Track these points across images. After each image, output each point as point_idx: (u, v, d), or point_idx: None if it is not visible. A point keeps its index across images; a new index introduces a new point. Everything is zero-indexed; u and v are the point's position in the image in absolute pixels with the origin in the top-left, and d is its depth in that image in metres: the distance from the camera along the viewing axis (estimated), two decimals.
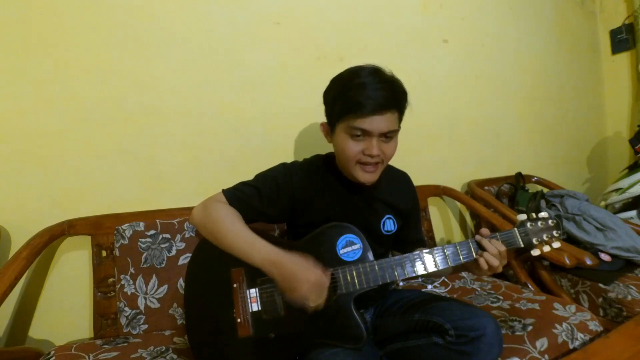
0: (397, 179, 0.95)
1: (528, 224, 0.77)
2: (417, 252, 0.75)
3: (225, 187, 0.83)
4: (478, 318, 0.72)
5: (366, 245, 0.75)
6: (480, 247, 0.75)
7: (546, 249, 0.77)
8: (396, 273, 0.73)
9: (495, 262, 0.73)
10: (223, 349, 0.73)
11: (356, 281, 0.72)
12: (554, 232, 0.77)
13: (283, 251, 0.71)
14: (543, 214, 0.78)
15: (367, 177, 0.77)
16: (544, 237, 0.77)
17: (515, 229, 0.78)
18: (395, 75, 0.77)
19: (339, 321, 0.71)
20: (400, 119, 0.79)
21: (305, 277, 0.67)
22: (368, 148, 0.74)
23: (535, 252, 0.77)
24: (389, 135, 0.76)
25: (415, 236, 0.98)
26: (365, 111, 0.71)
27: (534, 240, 0.76)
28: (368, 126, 0.72)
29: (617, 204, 1.87)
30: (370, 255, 0.75)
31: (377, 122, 0.72)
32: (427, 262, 0.75)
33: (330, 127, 0.81)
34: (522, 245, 0.76)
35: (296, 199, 0.82)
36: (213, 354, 0.74)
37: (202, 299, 0.78)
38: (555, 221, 0.78)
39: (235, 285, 0.75)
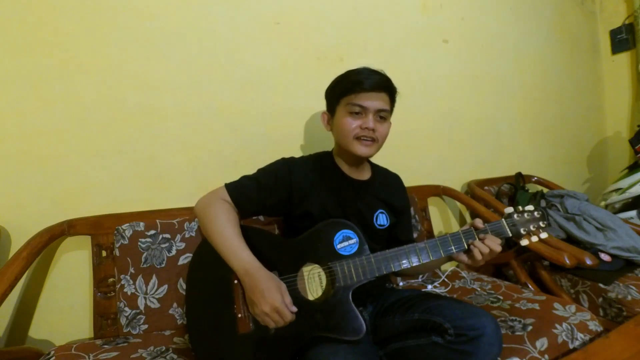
0: (389, 179, 1.02)
1: (515, 216, 0.81)
2: (412, 244, 0.78)
3: None
4: (477, 317, 0.73)
5: (362, 240, 0.78)
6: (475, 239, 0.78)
7: (534, 239, 0.80)
8: (392, 265, 0.76)
9: (486, 250, 0.76)
10: (223, 345, 0.74)
11: (354, 274, 0.74)
12: (540, 223, 0.81)
13: (262, 266, 0.72)
14: (529, 207, 0.82)
15: (364, 150, 0.85)
16: (531, 227, 0.80)
17: (503, 219, 0.81)
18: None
19: (338, 313, 0.72)
20: (391, 107, 0.89)
21: (270, 298, 0.68)
22: (365, 122, 0.83)
23: (524, 242, 0.81)
24: (383, 115, 0.86)
25: (406, 237, 1.01)
26: (365, 87, 0.82)
27: (522, 230, 0.80)
28: (366, 102, 0.83)
29: (617, 204, 1.87)
30: (367, 249, 0.77)
31: (374, 100, 0.83)
32: (421, 254, 0.77)
33: (330, 113, 0.91)
34: (511, 235, 0.80)
35: (293, 190, 0.85)
36: (213, 349, 0.75)
37: (204, 295, 0.79)
38: (540, 212, 0.82)
39: (236, 282, 0.75)
